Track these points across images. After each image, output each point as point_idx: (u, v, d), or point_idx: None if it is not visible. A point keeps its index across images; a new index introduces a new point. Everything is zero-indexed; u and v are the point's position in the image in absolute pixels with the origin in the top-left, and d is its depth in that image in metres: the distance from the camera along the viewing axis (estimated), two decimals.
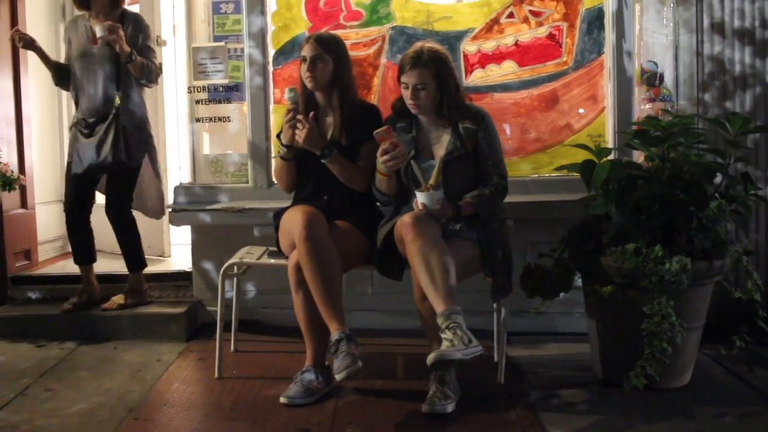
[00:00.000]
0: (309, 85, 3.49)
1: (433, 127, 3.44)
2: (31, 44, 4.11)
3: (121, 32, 3.99)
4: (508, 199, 3.46)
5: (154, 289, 4.43)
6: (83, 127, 4.14)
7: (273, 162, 4.04)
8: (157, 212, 4.55)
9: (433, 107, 3.37)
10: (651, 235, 3.20)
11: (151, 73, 4.16)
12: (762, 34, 4.08)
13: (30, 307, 4.42)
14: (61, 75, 4.25)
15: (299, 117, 3.39)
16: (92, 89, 4.13)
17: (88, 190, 4.27)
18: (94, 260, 4.35)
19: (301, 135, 3.36)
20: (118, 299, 4.25)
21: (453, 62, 3.48)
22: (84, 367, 3.76)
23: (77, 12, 4.38)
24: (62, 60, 4.36)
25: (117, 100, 4.10)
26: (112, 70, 4.12)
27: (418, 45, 3.42)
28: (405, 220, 3.15)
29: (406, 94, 3.36)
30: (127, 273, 4.31)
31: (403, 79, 3.36)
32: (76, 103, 4.23)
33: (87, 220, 4.30)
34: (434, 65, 3.32)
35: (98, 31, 3.97)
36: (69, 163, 4.25)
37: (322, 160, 3.39)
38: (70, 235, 4.30)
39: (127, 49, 4.01)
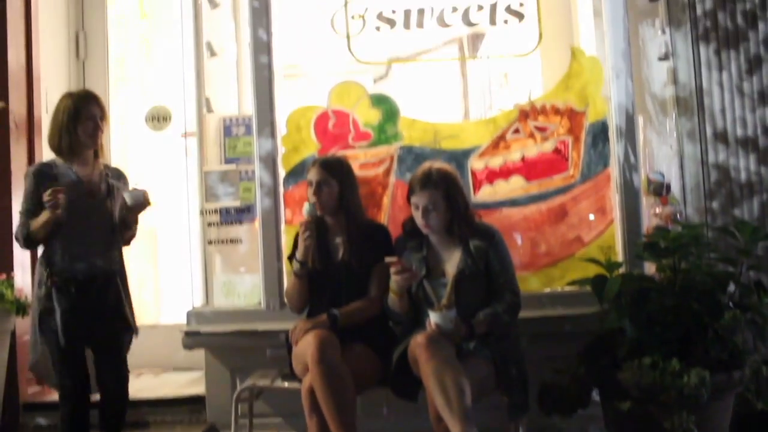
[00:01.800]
0: (318, 210, 3.54)
1: (444, 246, 3.47)
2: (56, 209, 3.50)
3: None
4: (522, 314, 3.45)
5: (167, 414, 4.38)
6: (68, 289, 3.55)
7: (285, 282, 4.07)
8: None
9: (443, 226, 3.41)
10: (667, 348, 3.17)
11: (132, 238, 3.86)
12: (765, 141, 4.16)
13: None
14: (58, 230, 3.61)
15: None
16: (85, 248, 3.62)
17: (82, 365, 3.66)
18: None
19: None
20: None
21: (461, 180, 3.53)
22: None
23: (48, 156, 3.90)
24: (26, 208, 3.64)
25: (115, 260, 3.70)
26: (108, 228, 3.69)
27: (426, 165, 3.48)
28: (419, 340, 3.14)
29: (417, 215, 3.40)
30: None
31: (413, 199, 3.40)
32: (52, 261, 3.59)
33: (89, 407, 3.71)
34: (443, 185, 3.37)
35: (129, 199, 3.63)
36: (43, 337, 3.60)
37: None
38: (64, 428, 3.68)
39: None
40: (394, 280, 3.29)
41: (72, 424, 3.64)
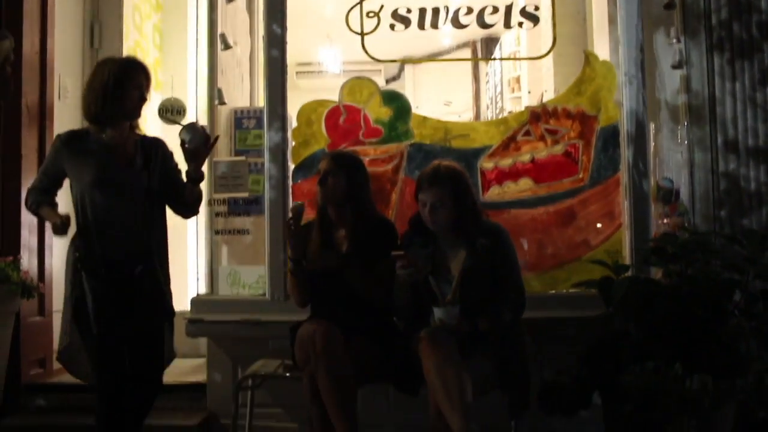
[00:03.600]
0: (319, 199, 3.54)
1: (450, 243, 3.46)
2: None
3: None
4: (526, 315, 3.45)
5: (168, 400, 4.37)
6: (99, 274, 3.27)
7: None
8: None
9: (450, 224, 3.40)
10: (671, 353, 3.16)
11: (198, 202, 3.56)
12: None
13: (43, 416, 4.38)
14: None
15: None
16: (122, 223, 3.33)
17: (120, 359, 3.31)
18: None
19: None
20: None
21: (470, 179, 3.53)
22: None
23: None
24: (41, 178, 3.45)
25: (155, 240, 3.43)
26: (144, 200, 3.38)
27: (435, 163, 3.48)
28: (421, 335, 3.15)
29: (424, 212, 3.40)
30: None
31: (421, 196, 3.40)
32: (82, 242, 3.33)
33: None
34: (451, 183, 3.37)
35: (187, 137, 3.35)
36: (76, 326, 3.29)
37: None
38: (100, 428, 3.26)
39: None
40: (400, 275, 3.29)
41: (109, 425, 3.26)
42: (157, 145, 3.52)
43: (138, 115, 3.41)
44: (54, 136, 4.78)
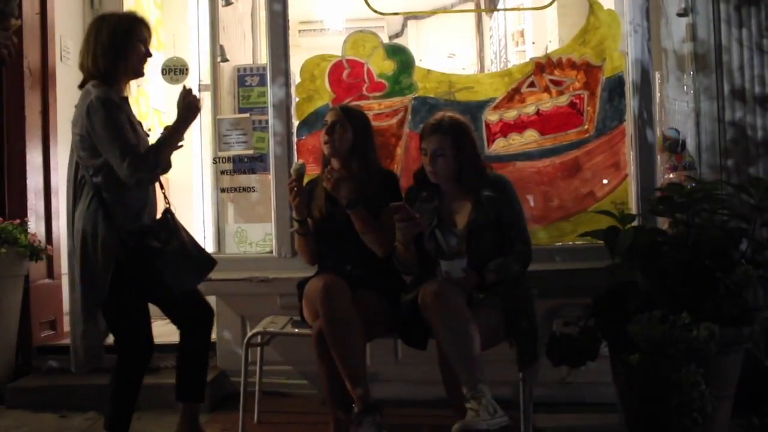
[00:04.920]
0: (326, 150, 3.53)
1: (455, 196, 3.46)
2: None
3: None
4: (532, 267, 3.45)
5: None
6: (148, 238, 3.14)
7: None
8: None
9: (452, 175, 3.40)
10: (678, 302, 3.16)
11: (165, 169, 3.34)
12: None
13: (54, 377, 4.42)
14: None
15: (330, 168, 3.44)
16: (153, 188, 3.29)
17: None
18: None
19: (331, 183, 3.38)
20: None
21: (474, 132, 3.51)
22: None
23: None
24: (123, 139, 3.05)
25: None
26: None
27: (439, 114, 3.48)
28: (429, 288, 3.14)
29: (425, 160, 3.40)
30: None
31: (423, 145, 3.41)
32: (114, 212, 3.11)
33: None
34: (454, 133, 3.36)
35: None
36: (128, 296, 3.15)
37: (348, 210, 3.40)
38: (122, 393, 3.24)
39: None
40: (399, 228, 3.28)
41: (135, 389, 3.24)
42: None
43: (141, 71, 3.26)
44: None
